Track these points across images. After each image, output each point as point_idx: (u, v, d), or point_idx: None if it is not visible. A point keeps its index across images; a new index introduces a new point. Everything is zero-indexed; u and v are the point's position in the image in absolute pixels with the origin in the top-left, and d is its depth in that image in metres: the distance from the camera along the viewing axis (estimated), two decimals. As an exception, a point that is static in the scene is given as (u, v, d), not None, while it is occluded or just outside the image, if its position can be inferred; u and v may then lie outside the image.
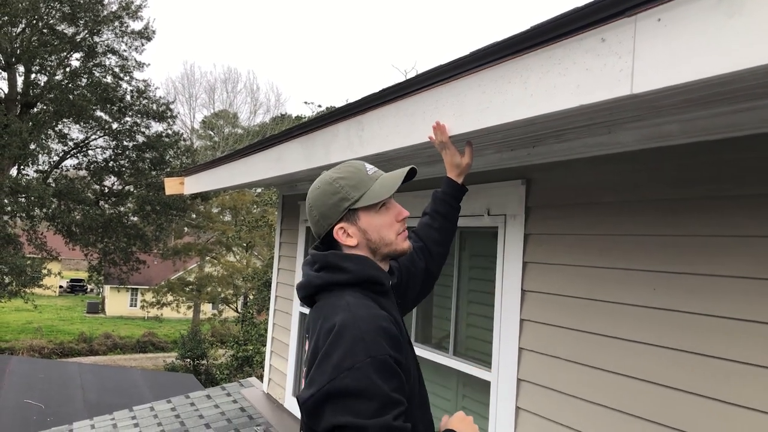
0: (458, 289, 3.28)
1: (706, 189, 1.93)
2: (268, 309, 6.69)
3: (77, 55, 22.46)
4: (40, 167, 22.69)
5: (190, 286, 30.19)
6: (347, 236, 1.66)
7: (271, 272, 5.86)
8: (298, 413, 4.87)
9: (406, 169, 1.71)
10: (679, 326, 1.97)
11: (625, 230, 2.20)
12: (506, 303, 2.71)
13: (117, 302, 41.89)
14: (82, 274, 45.45)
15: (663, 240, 2.06)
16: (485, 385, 2.85)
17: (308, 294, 1.66)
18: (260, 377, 6.06)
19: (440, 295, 3.46)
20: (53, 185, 21.79)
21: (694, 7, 1.18)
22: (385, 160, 2.84)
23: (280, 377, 5.34)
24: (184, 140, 27.81)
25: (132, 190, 23.70)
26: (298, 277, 5.09)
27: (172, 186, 5.76)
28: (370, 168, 1.71)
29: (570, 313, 2.39)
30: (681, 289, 1.97)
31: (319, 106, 22.29)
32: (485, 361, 2.92)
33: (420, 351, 3.44)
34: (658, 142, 2.05)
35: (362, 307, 1.51)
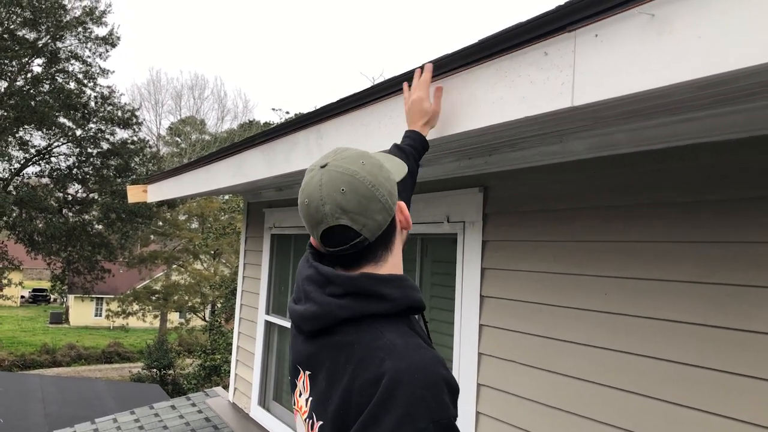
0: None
1: (652, 196, 1.99)
2: (234, 317, 6.65)
3: (39, 61, 22.04)
4: (0, 175, 22.17)
5: (157, 295, 29.73)
6: (404, 216, 1.33)
7: (238, 281, 5.83)
8: (264, 422, 4.85)
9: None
10: (629, 330, 2.02)
11: (577, 236, 2.26)
12: (466, 309, 2.75)
13: (81, 312, 41.04)
14: (45, 284, 44.46)
15: (613, 246, 2.12)
16: (446, 391, 2.88)
17: (324, 326, 1.25)
18: (227, 387, 6.02)
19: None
20: (14, 193, 21.31)
21: (628, 24, 1.24)
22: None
23: (246, 386, 5.31)
24: (150, 147, 27.48)
25: (96, 197, 23.30)
26: (264, 286, 5.07)
27: (134, 194, 5.70)
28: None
29: (526, 319, 2.44)
30: (630, 294, 2.03)
31: (287, 112, 22.25)
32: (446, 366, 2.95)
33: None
34: (607, 150, 2.12)
35: (414, 351, 1.15)
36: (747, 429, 1.68)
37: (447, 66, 1.76)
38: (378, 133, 2.14)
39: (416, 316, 1.35)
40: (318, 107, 2.60)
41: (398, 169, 1.42)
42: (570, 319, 2.24)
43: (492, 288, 2.64)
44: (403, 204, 1.31)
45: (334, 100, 2.43)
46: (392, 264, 1.31)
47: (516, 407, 2.45)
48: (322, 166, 1.29)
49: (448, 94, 1.79)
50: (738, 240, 1.73)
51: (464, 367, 2.73)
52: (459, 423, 2.65)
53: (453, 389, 1.13)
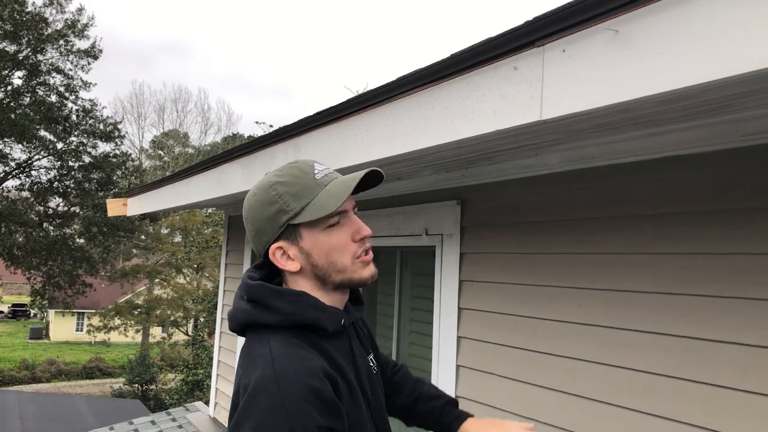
0: (400, 308, 3.32)
1: (624, 209, 2.02)
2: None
3: (20, 74, 21.86)
4: (-21, 188, 21.91)
5: (139, 309, 29.40)
6: (287, 259, 1.30)
7: (219, 294, 5.80)
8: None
9: (362, 172, 1.32)
10: (601, 341, 2.04)
11: (552, 249, 2.28)
12: (444, 321, 2.76)
13: (62, 327, 40.47)
14: (25, 299, 43.82)
15: (588, 258, 2.14)
16: (425, 403, 2.88)
17: (235, 328, 1.33)
18: (209, 402, 5.96)
19: (383, 314, 3.49)
20: (-7, 207, 21.04)
21: (593, 40, 1.26)
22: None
23: (227, 401, 5.26)
24: (133, 160, 27.29)
25: (78, 211, 23.06)
26: (244, 299, 5.04)
27: (114, 207, 5.66)
28: (321, 169, 1.33)
29: (503, 330, 2.45)
30: (603, 305, 2.05)
31: (271, 126, 22.17)
32: (426, 378, 2.95)
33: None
34: (581, 163, 2.15)
35: (289, 360, 1.17)
36: (718, 438, 1.70)
37: (419, 81, 1.78)
38: (355, 146, 2.15)
39: (351, 333, 1.40)
40: (295, 120, 2.60)
41: (318, 208, 1.28)
42: (547, 330, 2.25)
43: (470, 300, 2.65)
44: (280, 246, 1.30)
45: (312, 113, 2.44)
46: (302, 285, 1.33)
47: (493, 418, 2.45)
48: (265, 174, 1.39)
49: (421, 109, 1.81)
50: (707, 252, 1.76)
51: (443, 379, 2.73)
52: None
53: (324, 400, 1.13)
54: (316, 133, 2.42)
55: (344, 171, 2.35)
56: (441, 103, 1.70)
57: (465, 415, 1.59)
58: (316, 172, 1.31)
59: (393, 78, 1.97)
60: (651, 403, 1.88)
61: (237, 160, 3.23)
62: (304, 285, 1.32)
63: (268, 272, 1.37)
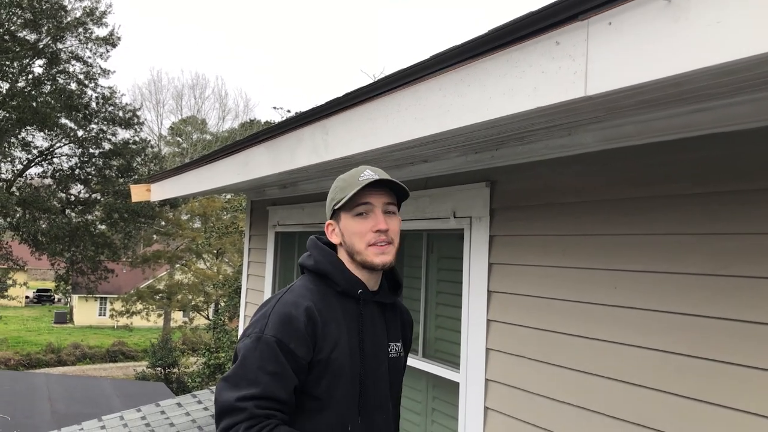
0: (426, 291, 3.30)
1: (664, 188, 1.97)
2: (239, 316, 6.66)
3: (40, 62, 22.01)
4: (3, 176, 22.20)
5: (160, 294, 29.74)
6: (333, 233, 1.76)
7: (242, 279, 5.82)
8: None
9: (370, 179, 1.66)
10: (637, 323, 2.00)
11: (586, 230, 2.24)
12: (473, 304, 2.74)
13: (85, 312, 41.12)
14: (49, 284, 44.55)
15: (624, 239, 2.09)
16: (454, 386, 2.87)
17: (300, 270, 1.81)
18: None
19: (409, 298, 3.47)
20: (17, 194, 21.31)
21: (642, 11, 1.21)
22: (350, 165, 2.85)
23: (252, 384, 5.29)
24: (152, 147, 27.45)
25: (99, 197, 23.28)
26: (269, 283, 5.06)
27: (138, 193, 5.68)
28: (368, 174, 1.69)
29: (535, 313, 2.42)
30: (639, 287, 2.01)
31: (288, 111, 22.15)
32: (454, 362, 2.94)
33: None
34: (618, 142, 2.09)
35: (296, 292, 1.66)
36: (759, 422, 1.66)
37: (455, 58, 1.74)
38: (385, 127, 2.12)
39: (373, 309, 1.76)
40: (323, 102, 2.57)
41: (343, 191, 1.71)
42: (580, 313, 2.22)
43: (499, 283, 2.62)
44: (329, 223, 1.77)
45: (340, 95, 2.40)
46: (342, 256, 1.76)
47: (525, 402, 2.44)
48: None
49: (456, 87, 1.77)
50: (751, 232, 1.71)
51: (472, 363, 2.71)
52: (467, 418, 2.63)
53: (292, 325, 1.57)
54: (345, 114, 2.39)
55: (375, 153, 2.34)
56: (477, 80, 1.66)
57: None
58: (362, 175, 1.69)
59: (422, 58, 1.93)
60: (687, 386, 1.85)
61: (263, 144, 3.21)
62: (343, 255, 1.76)
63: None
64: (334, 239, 1.75)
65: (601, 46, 1.32)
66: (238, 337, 1.64)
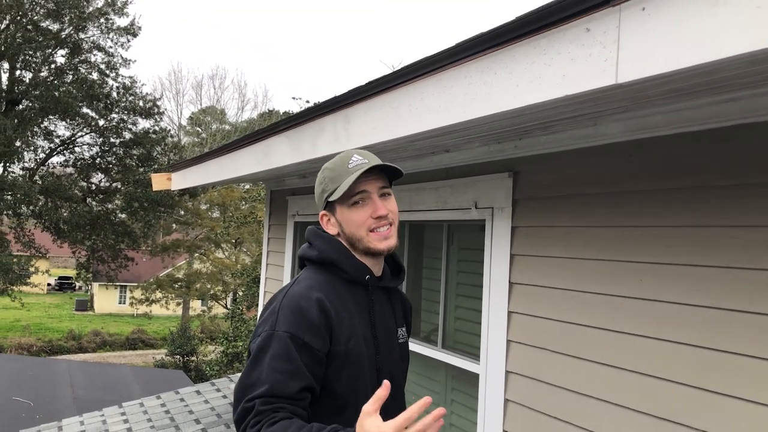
0: (446, 283, 3.28)
1: (691, 179, 1.94)
2: (257, 305, 6.68)
3: (62, 52, 22.22)
4: (26, 164, 22.49)
5: (179, 283, 30.02)
6: (329, 224, 1.72)
7: (260, 268, 5.85)
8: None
9: (369, 165, 1.63)
10: (664, 317, 1.97)
11: (611, 222, 2.21)
12: (494, 296, 2.72)
13: (106, 299, 41.65)
14: (71, 272, 45.14)
15: (649, 231, 2.06)
16: (474, 378, 2.85)
17: (299, 263, 1.78)
18: (250, 373, 6.05)
19: (429, 289, 3.46)
20: (39, 182, 21.59)
21: (678, -5, 1.18)
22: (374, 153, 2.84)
23: (270, 373, 5.32)
24: (172, 137, 27.64)
25: (119, 186, 23.51)
26: (287, 273, 5.08)
27: (159, 182, 5.72)
28: (356, 160, 1.65)
29: (557, 305, 2.39)
30: (665, 280, 1.98)
31: (307, 101, 22.15)
32: (474, 353, 2.93)
33: (410, 344, 3.44)
34: (644, 133, 2.06)
35: (302, 286, 1.60)
36: (792, 418, 1.63)
37: (481, 45, 1.72)
38: (408, 116, 2.10)
39: (380, 295, 1.74)
40: (345, 91, 2.56)
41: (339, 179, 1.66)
42: (604, 305, 2.19)
43: (521, 274, 2.60)
44: (323, 215, 1.73)
45: (362, 83, 2.39)
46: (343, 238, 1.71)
47: (545, 394, 2.42)
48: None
49: (482, 75, 1.75)
50: (783, 224, 1.67)
51: (492, 354, 2.70)
52: (487, 409, 2.61)
53: (306, 318, 1.51)
54: (367, 103, 2.37)
55: (397, 142, 2.32)
56: (504, 68, 1.63)
57: None
58: (350, 162, 1.65)
59: (444, 47, 1.91)
60: (712, 381, 1.82)
61: (284, 133, 3.21)
62: (342, 243, 1.72)
63: None
64: (331, 230, 1.71)
65: (633, 32, 1.29)
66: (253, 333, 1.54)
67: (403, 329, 1.85)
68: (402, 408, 1.71)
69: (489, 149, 2.74)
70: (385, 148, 2.55)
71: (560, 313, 2.38)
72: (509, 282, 2.64)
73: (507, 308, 2.64)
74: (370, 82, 2.33)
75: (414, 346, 3.38)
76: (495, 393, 2.66)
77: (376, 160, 1.68)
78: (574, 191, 2.38)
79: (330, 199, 1.67)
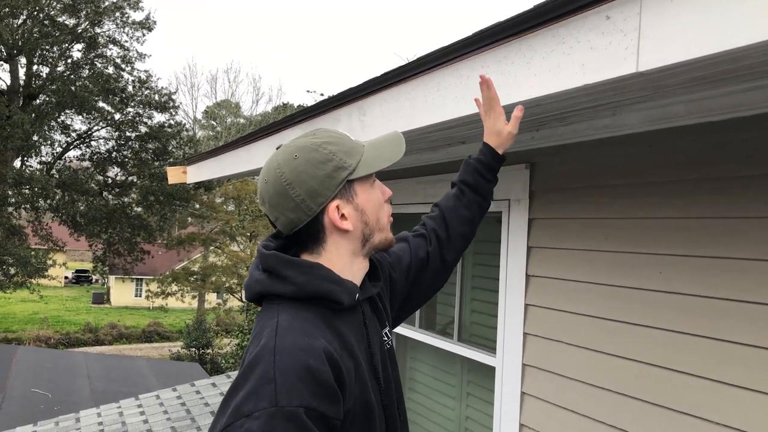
0: (462, 275, 3.27)
1: (712, 170, 1.90)
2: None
3: (78, 47, 22.43)
4: (44, 158, 22.77)
5: (195, 276, 30.27)
6: (344, 218, 1.31)
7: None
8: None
9: (399, 133, 1.46)
10: (685, 309, 1.95)
11: (630, 213, 2.18)
12: (510, 288, 2.70)
13: (122, 292, 42.10)
14: (87, 265, 45.61)
15: (670, 222, 2.03)
16: (490, 371, 2.84)
17: (251, 298, 1.34)
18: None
19: (444, 282, 3.45)
20: (56, 176, 21.83)
21: (701, -20, 1.16)
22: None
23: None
24: (187, 130, 27.81)
25: (135, 180, 23.73)
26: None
27: (174, 175, 5.74)
28: (348, 134, 1.42)
29: (574, 298, 2.37)
30: (685, 272, 1.95)
31: (321, 94, 22.20)
32: (490, 346, 2.91)
33: (424, 337, 3.44)
34: (664, 123, 2.03)
35: (292, 334, 1.16)
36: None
37: (498, 35, 1.69)
38: (424, 107, 2.09)
39: (366, 308, 1.38)
40: (360, 82, 2.54)
41: (373, 161, 1.36)
42: (622, 298, 2.17)
43: (538, 267, 2.58)
44: (337, 206, 1.30)
45: (378, 74, 2.37)
46: (329, 259, 1.32)
47: (563, 388, 2.40)
48: (277, 148, 1.37)
49: (499, 64, 1.73)
50: (808, 215, 1.64)
51: (508, 347, 2.68)
52: (503, 402, 2.60)
53: (317, 381, 1.11)
54: (383, 94, 2.36)
55: (414, 133, 2.30)
56: (522, 57, 1.61)
57: (482, 143, 1.80)
58: (348, 135, 1.38)
59: (463, 36, 1.89)
60: (734, 374, 1.79)
61: (299, 125, 3.20)
62: (346, 248, 1.33)
63: (285, 243, 1.36)
64: (347, 225, 1.31)
65: (655, 19, 1.27)
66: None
67: (387, 329, 1.50)
68: (406, 422, 1.54)
69: (505, 141, 2.72)
70: (400, 139, 2.54)
71: (578, 305, 2.36)
72: (526, 274, 2.62)
73: (524, 301, 2.62)
74: (386, 73, 2.31)
75: (430, 339, 3.37)
76: (512, 386, 2.65)
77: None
78: (592, 182, 2.36)
79: (353, 177, 1.31)
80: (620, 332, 2.17)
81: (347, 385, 1.19)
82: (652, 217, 2.10)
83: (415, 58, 2.14)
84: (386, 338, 1.47)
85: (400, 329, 3.62)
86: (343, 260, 1.33)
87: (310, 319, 1.22)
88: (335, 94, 2.82)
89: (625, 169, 2.21)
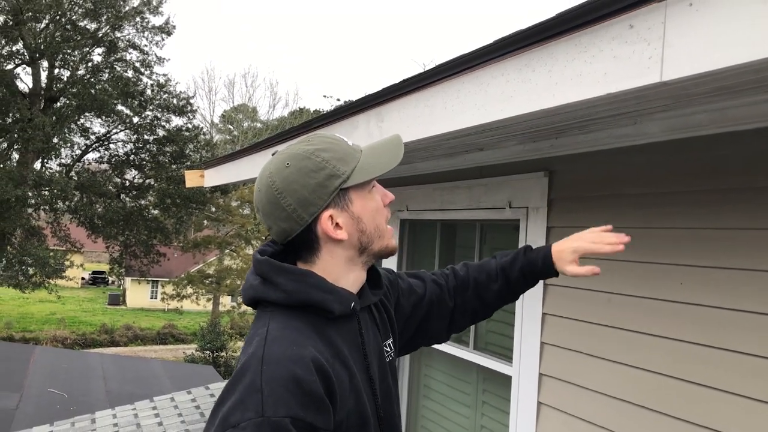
0: (478, 283, 3.25)
1: (736, 180, 1.88)
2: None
3: (99, 50, 22.71)
4: (63, 161, 23.08)
5: (210, 279, 30.45)
6: (338, 228, 1.28)
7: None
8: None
9: (399, 136, 1.40)
10: (705, 321, 1.92)
11: (651, 223, 2.16)
12: (528, 297, 2.68)
13: (137, 294, 42.43)
14: (104, 267, 46.07)
15: (691, 233, 2.01)
16: (506, 380, 2.82)
17: (247, 303, 1.34)
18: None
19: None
20: (75, 178, 22.12)
21: (728, -10, 1.14)
22: (405, 152, 2.82)
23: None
24: (204, 134, 28.03)
25: (152, 183, 23.95)
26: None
27: (192, 179, 5.78)
28: (346, 139, 1.35)
29: (593, 308, 2.35)
30: (707, 283, 1.93)
31: (338, 99, 22.35)
32: (506, 355, 2.89)
33: (440, 345, 3.42)
34: (686, 132, 2.00)
35: (281, 343, 1.15)
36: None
37: (520, 42, 1.69)
38: (443, 114, 2.08)
39: (364, 318, 1.35)
40: (379, 89, 2.55)
41: (367, 169, 1.30)
42: (642, 308, 2.14)
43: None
44: (330, 215, 1.26)
45: (397, 81, 2.37)
46: (323, 268, 1.30)
47: (580, 399, 2.38)
48: (273, 154, 1.34)
49: (520, 72, 1.72)
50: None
51: (525, 357, 2.66)
52: (519, 412, 2.58)
53: (306, 391, 1.09)
54: (402, 101, 2.35)
55: (431, 140, 2.30)
56: (543, 66, 1.60)
57: (547, 248, 1.66)
58: (345, 140, 1.32)
59: (484, 43, 1.88)
60: (760, 389, 1.76)
61: (316, 131, 3.21)
62: (342, 256, 1.30)
63: (282, 248, 1.35)
64: (341, 235, 1.27)
65: (679, 28, 1.25)
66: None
67: (389, 341, 1.47)
68: None
69: (524, 148, 2.70)
70: (418, 146, 2.54)
71: (597, 316, 2.33)
72: (544, 283, 2.60)
73: (541, 310, 2.60)
74: (405, 80, 2.31)
75: (445, 347, 3.35)
76: (528, 396, 2.62)
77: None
78: (612, 191, 2.34)
79: (347, 185, 1.27)
80: (640, 343, 2.14)
81: (338, 395, 1.17)
82: (672, 227, 2.07)
83: (434, 65, 2.14)
84: (388, 350, 1.44)
85: (415, 336, 3.60)
86: (338, 268, 1.31)
87: (301, 328, 1.20)
88: (353, 100, 2.82)
89: (646, 178, 2.19)
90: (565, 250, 1.62)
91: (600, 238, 1.60)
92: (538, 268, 1.64)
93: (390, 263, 3.75)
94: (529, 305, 2.66)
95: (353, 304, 1.29)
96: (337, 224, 1.27)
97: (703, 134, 1.95)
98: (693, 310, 1.97)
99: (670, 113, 1.95)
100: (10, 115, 20.18)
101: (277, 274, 1.25)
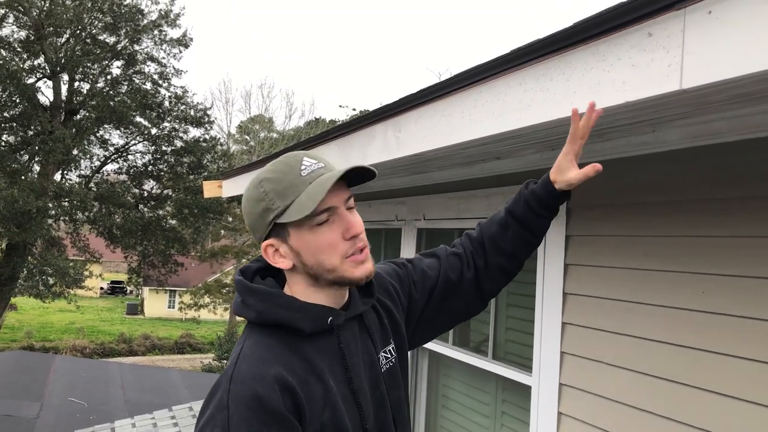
0: (496, 292, 3.24)
1: (758, 188, 1.86)
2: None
3: (118, 63, 23.02)
4: (83, 172, 23.36)
5: (227, 288, 30.58)
6: (279, 256, 1.30)
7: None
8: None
9: (340, 171, 1.26)
10: (729, 330, 1.90)
11: (671, 231, 2.14)
12: (547, 306, 2.66)
13: (155, 304, 42.72)
14: (122, 276, 46.49)
15: (714, 241, 1.99)
16: (526, 390, 2.80)
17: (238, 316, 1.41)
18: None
19: (478, 298, 3.43)
20: (95, 189, 22.38)
21: (749, -3, 1.14)
22: (422, 161, 2.83)
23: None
24: (221, 145, 28.24)
25: (170, 194, 24.15)
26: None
27: (210, 189, 5.83)
28: (309, 164, 1.28)
29: (614, 317, 2.33)
30: (730, 292, 1.91)
31: (354, 109, 22.43)
32: (526, 365, 2.87)
33: (458, 354, 3.41)
34: (706, 140, 1.99)
35: (249, 362, 1.20)
36: None
37: (537, 51, 1.69)
38: (461, 124, 2.09)
39: (350, 329, 1.35)
40: (396, 99, 2.56)
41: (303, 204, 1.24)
42: (664, 318, 2.12)
43: (576, 285, 2.54)
44: (270, 244, 1.31)
45: (414, 91, 2.38)
46: (291, 286, 1.35)
47: (601, 409, 2.35)
48: None
49: (538, 81, 1.72)
50: None
51: (545, 366, 2.65)
52: (539, 423, 2.57)
53: (269, 409, 1.15)
54: (419, 111, 2.36)
55: (448, 149, 2.30)
56: (561, 74, 1.60)
57: (545, 178, 1.63)
58: (303, 168, 1.27)
59: (502, 52, 1.89)
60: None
61: (334, 142, 3.23)
62: (299, 280, 1.32)
63: (263, 266, 1.40)
64: (283, 264, 1.30)
65: (699, 37, 1.25)
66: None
67: (390, 347, 1.46)
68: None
69: (542, 156, 2.70)
70: (435, 156, 2.54)
71: (617, 324, 2.31)
72: (563, 292, 2.59)
73: (561, 319, 2.58)
74: (421, 90, 2.32)
75: (464, 357, 3.34)
76: (548, 406, 2.60)
77: (334, 163, 1.33)
78: (631, 199, 2.32)
79: (280, 221, 1.26)
80: (662, 353, 2.12)
81: (308, 410, 1.20)
82: (694, 235, 2.05)
83: (451, 75, 2.15)
84: (388, 356, 1.44)
85: (431, 345, 3.59)
86: (302, 290, 1.33)
87: (273, 345, 1.25)
88: (370, 110, 2.83)
89: (666, 185, 2.17)
90: (558, 160, 1.60)
91: (573, 129, 1.55)
92: (542, 194, 1.61)
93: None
94: (548, 314, 2.65)
95: (330, 319, 1.30)
96: (280, 253, 1.30)
97: (723, 141, 1.94)
98: (716, 319, 1.95)
99: (689, 120, 1.94)
100: (32, 127, 20.50)
101: (248, 294, 1.31)
